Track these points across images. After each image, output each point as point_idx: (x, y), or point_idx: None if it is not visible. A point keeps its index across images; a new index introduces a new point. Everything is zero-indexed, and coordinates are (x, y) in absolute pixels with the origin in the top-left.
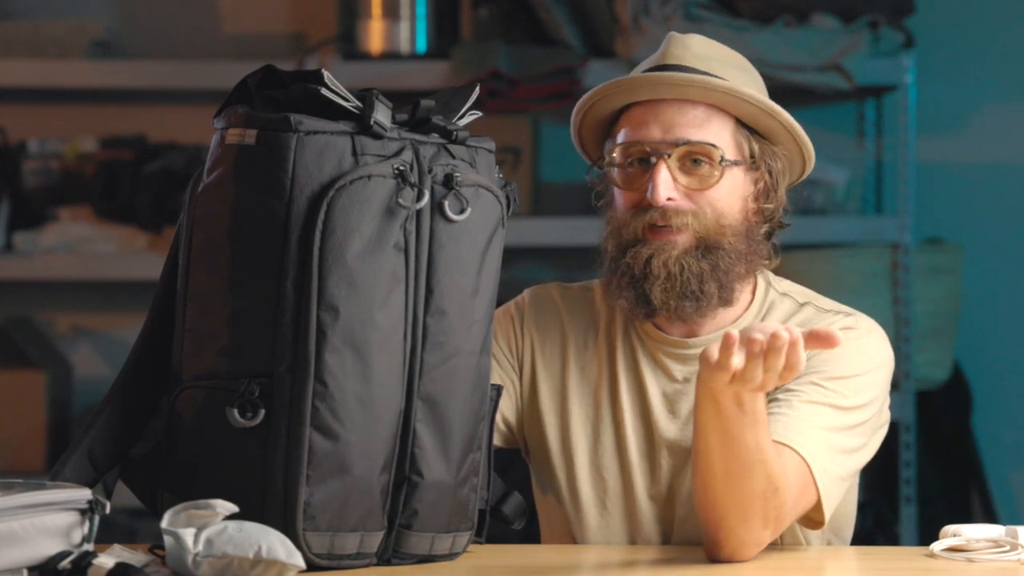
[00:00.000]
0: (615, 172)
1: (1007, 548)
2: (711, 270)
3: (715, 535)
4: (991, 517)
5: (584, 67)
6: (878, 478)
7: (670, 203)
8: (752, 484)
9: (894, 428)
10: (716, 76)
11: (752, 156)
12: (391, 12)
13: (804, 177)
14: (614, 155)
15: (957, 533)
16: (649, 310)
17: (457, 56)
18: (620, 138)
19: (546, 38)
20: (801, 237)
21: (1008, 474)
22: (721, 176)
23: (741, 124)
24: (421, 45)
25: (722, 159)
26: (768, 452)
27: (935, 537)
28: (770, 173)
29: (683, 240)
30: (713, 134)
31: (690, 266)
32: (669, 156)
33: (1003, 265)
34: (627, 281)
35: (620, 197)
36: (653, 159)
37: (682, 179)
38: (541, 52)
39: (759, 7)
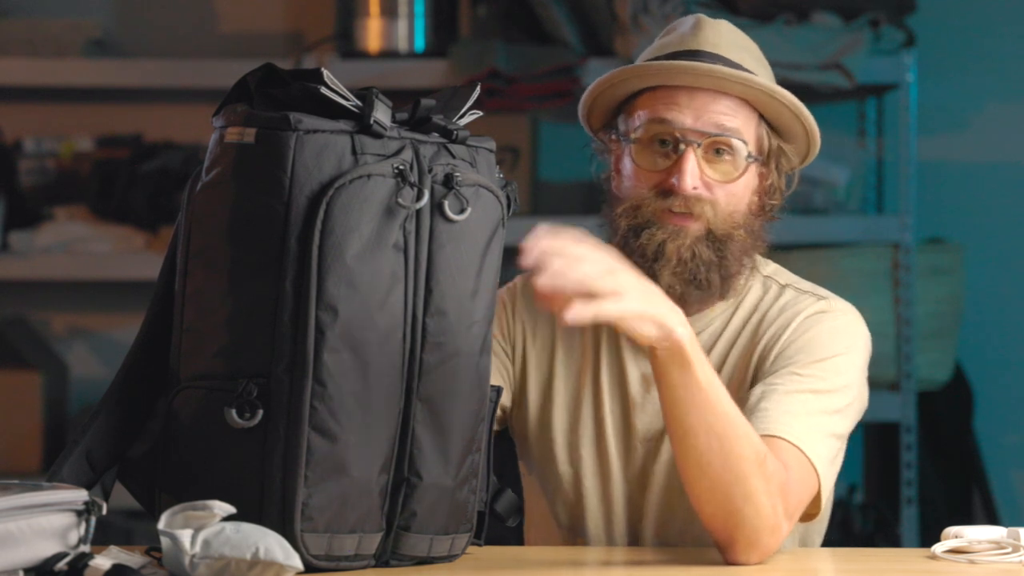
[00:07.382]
0: (634, 147)
1: (1009, 550)
2: (718, 261)
3: (725, 525)
4: (993, 518)
5: (583, 66)
6: (879, 479)
7: (694, 191)
8: (740, 448)
9: (895, 429)
10: (748, 70)
11: (769, 153)
12: (389, 10)
13: (793, 171)
14: (637, 132)
15: (959, 535)
16: None
17: (455, 55)
18: (645, 115)
19: (545, 36)
20: (801, 237)
21: (1010, 475)
22: (744, 172)
23: (762, 119)
24: (419, 43)
25: (748, 155)
26: (741, 418)
27: (936, 539)
28: (778, 170)
29: (696, 228)
30: (741, 126)
31: (701, 254)
32: (699, 145)
33: (1005, 265)
34: (636, 261)
35: (637, 175)
36: (682, 146)
37: (707, 170)
38: (540, 51)
39: (759, 5)
